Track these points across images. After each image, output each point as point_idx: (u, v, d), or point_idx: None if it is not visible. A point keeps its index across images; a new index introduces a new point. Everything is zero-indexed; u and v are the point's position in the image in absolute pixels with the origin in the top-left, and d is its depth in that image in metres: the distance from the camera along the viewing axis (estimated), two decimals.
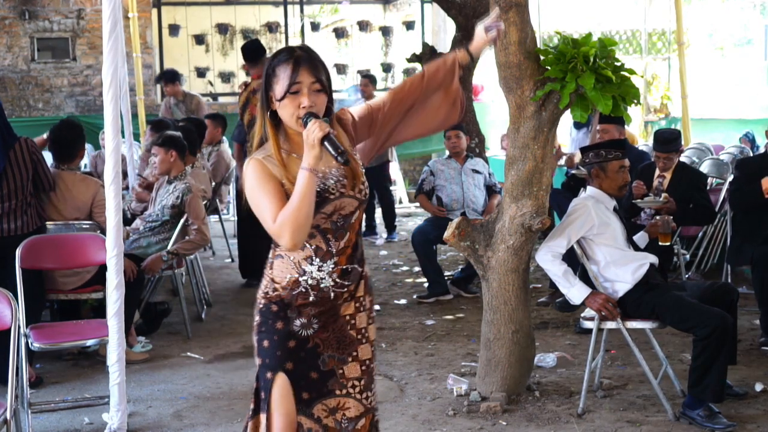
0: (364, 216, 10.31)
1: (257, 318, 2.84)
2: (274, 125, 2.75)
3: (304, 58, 2.71)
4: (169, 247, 6.00)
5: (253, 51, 7.62)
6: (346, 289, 2.80)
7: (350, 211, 2.76)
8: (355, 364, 2.82)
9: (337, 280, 2.78)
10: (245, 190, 2.72)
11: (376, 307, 6.90)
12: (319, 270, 2.75)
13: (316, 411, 2.78)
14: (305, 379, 2.77)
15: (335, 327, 2.79)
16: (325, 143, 2.59)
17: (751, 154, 8.86)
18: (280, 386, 2.76)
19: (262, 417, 2.80)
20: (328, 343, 2.78)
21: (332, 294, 2.78)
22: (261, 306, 2.82)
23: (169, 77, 10.31)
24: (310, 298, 2.76)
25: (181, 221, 6.11)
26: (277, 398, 2.77)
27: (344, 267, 2.78)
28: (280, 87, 2.70)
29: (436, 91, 2.94)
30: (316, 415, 2.78)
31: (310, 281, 2.76)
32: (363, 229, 11.15)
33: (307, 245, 2.74)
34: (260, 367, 2.82)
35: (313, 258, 2.75)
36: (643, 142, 11.65)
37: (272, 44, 13.77)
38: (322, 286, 2.76)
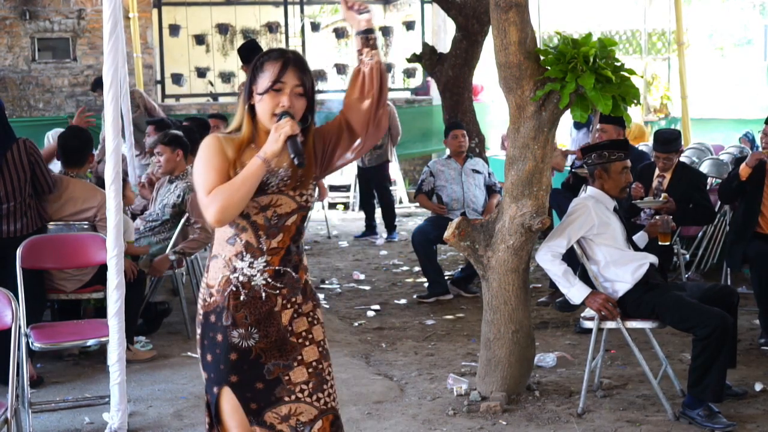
0: (364, 216, 10.45)
1: (198, 331, 2.85)
2: (250, 118, 2.80)
3: (293, 61, 2.75)
4: (169, 247, 6.01)
5: (250, 51, 7.59)
6: (278, 291, 2.78)
7: (287, 211, 2.77)
8: (301, 368, 2.81)
9: (269, 280, 2.77)
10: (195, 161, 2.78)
11: (376, 307, 6.96)
12: (250, 267, 2.76)
13: (267, 419, 2.79)
14: (251, 391, 2.77)
15: (277, 336, 2.78)
16: (289, 142, 2.66)
17: None
18: (227, 400, 2.78)
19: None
20: (270, 352, 2.78)
21: (263, 294, 2.77)
22: (200, 317, 2.83)
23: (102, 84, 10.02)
24: (241, 297, 2.76)
25: (182, 221, 6.12)
26: (227, 412, 2.79)
27: (277, 268, 2.78)
28: (264, 82, 2.74)
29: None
30: (269, 422, 2.79)
31: (241, 278, 2.76)
32: (361, 232, 11.07)
33: (238, 240, 2.76)
34: (206, 382, 2.83)
35: (244, 254, 2.76)
36: (644, 142, 11.64)
37: (272, 44, 13.75)
38: (253, 284, 2.76)
